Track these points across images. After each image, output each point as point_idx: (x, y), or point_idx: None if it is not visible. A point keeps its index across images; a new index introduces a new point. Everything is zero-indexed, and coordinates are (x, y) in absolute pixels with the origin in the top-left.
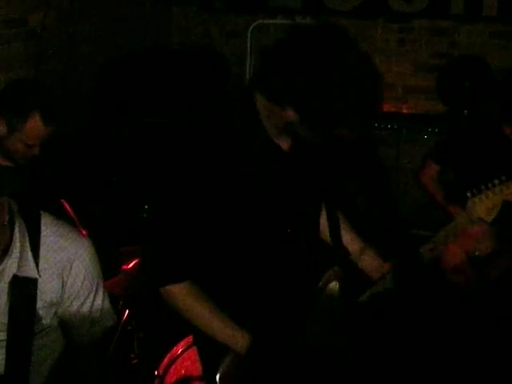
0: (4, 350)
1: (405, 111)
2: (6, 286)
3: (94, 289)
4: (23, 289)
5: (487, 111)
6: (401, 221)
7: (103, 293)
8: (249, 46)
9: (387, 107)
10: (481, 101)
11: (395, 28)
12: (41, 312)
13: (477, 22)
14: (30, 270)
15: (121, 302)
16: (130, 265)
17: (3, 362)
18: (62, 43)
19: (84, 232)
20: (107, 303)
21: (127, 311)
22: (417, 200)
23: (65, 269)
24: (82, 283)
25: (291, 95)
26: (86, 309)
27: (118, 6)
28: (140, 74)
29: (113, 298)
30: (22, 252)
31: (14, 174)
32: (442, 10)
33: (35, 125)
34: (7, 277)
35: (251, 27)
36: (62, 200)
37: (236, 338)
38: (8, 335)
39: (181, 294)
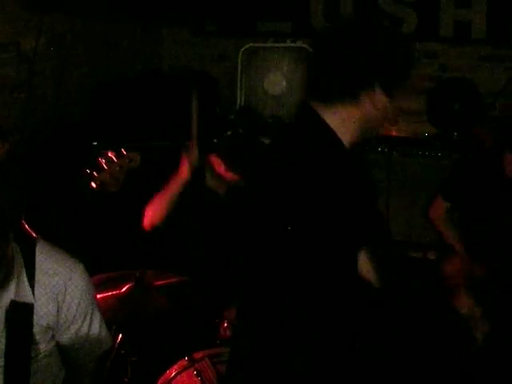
0: (2, 376)
1: (395, 134)
2: (3, 311)
3: (90, 312)
4: (20, 314)
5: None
6: (392, 243)
7: (99, 316)
8: (239, 69)
9: None
10: (470, 124)
11: None
12: (37, 337)
13: (466, 45)
14: (26, 295)
15: (114, 327)
16: (123, 289)
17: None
18: (53, 68)
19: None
20: (104, 327)
21: (120, 335)
22: (407, 222)
23: (59, 293)
24: (77, 307)
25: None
26: (83, 333)
27: (108, 30)
28: (131, 97)
29: (105, 322)
30: (18, 277)
31: None
32: (431, 33)
33: None
34: (5, 303)
35: (241, 50)
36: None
37: None
38: (5, 360)
39: None
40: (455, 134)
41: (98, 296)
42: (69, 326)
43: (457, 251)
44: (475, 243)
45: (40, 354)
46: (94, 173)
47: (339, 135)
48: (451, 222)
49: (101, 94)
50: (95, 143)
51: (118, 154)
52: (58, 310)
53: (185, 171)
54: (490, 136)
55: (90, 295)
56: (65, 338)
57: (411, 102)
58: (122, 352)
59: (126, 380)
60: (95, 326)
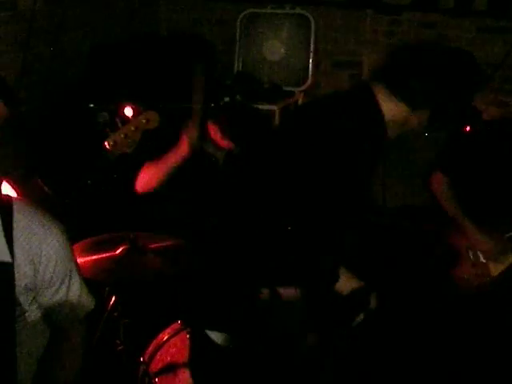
0: None
1: None
2: None
3: (68, 275)
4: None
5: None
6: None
7: (79, 279)
8: (238, 34)
9: None
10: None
11: (384, 20)
12: (20, 297)
13: (466, 17)
14: (2, 254)
15: (107, 289)
16: (118, 251)
17: None
18: (50, 28)
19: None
20: (84, 288)
21: (113, 297)
22: (404, 196)
23: (35, 255)
24: (54, 269)
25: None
26: (61, 294)
27: None
28: (127, 60)
29: (98, 284)
30: None
31: None
32: (431, 4)
33: None
34: None
35: (241, 16)
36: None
37: None
38: None
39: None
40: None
41: (93, 257)
42: (46, 288)
43: (461, 224)
44: (475, 217)
45: (25, 312)
46: (109, 131)
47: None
48: (453, 196)
49: (97, 56)
50: (91, 105)
51: (135, 112)
52: (34, 272)
53: (184, 148)
54: (488, 108)
55: (68, 257)
56: (43, 300)
57: None
58: (115, 314)
59: (119, 342)
60: (75, 288)
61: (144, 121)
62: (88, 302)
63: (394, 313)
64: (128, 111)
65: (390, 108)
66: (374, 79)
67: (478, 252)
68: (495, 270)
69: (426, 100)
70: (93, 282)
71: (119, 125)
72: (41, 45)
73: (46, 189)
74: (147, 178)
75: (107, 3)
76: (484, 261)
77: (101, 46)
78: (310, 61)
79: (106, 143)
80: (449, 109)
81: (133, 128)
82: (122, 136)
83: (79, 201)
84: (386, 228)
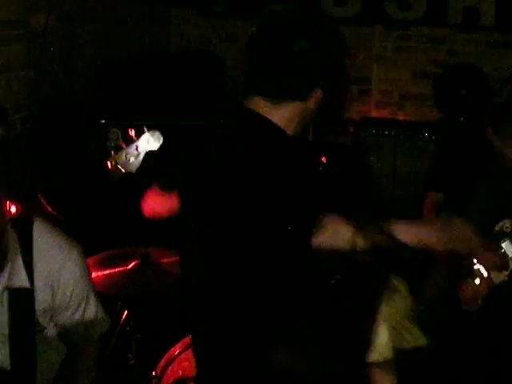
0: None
1: (401, 118)
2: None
3: (85, 299)
4: (19, 299)
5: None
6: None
7: (95, 301)
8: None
9: (384, 113)
10: (476, 109)
11: (393, 35)
12: (38, 318)
13: (474, 31)
14: (21, 280)
15: (119, 303)
16: (130, 266)
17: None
18: (62, 45)
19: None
20: (100, 311)
21: (125, 312)
22: (413, 206)
23: (54, 280)
24: (72, 294)
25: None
26: (78, 316)
27: (117, 8)
28: (138, 76)
29: (111, 298)
30: (13, 262)
31: None
32: (439, 19)
33: None
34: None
35: (250, 32)
36: (40, 195)
37: None
38: (10, 341)
39: None
40: (461, 118)
41: (105, 272)
42: (63, 311)
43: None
44: None
45: (43, 329)
46: (112, 152)
47: (284, 129)
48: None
49: (107, 73)
50: (103, 121)
51: (138, 133)
52: (52, 296)
53: None
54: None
55: (85, 280)
56: (60, 320)
57: (419, 86)
58: (127, 329)
59: (130, 356)
60: (90, 311)
61: (146, 141)
62: (103, 322)
63: None
64: (131, 131)
65: (275, 113)
66: (245, 97)
67: (479, 265)
68: (497, 278)
69: (306, 82)
70: (105, 295)
71: (122, 145)
72: (52, 62)
73: (48, 207)
74: (157, 208)
75: (118, 21)
76: (486, 274)
77: (110, 63)
78: None
79: (108, 163)
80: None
81: (135, 148)
82: (124, 156)
83: (82, 219)
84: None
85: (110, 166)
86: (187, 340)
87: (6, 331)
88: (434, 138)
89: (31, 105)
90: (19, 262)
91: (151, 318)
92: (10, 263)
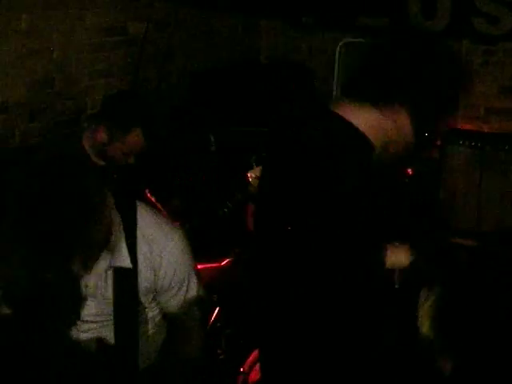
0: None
1: (486, 131)
2: (104, 275)
3: (187, 279)
4: (123, 278)
5: None
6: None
7: (196, 281)
8: (336, 63)
9: (469, 127)
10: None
11: (480, 50)
12: (141, 298)
13: None
14: (124, 261)
15: (215, 297)
16: (223, 262)
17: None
18: (158, 53)
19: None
20: (201, 290)
21: (218, 308)
22: (500, 220)
23: (156, 261)
24: (173, 275)
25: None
26: (179, 297)
27: (210, 19)
28: (230, 85)
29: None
30: (116, 243)
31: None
32: None
33: (136, 139)
34: (103, 267)
35: (339, 45)
36: (147, 193)
37: None
38: (115, 320)
39: None
40: None
41: (199, 266)
42: (165, 292)
43: None
44: None
45: (145, 308)
46: (254, 165)
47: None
48: None
49: (200, 81)
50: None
51: None
52: (154, 277)
53: None
54: None
55: (187, 262)
56: (162, 300)
57: (504, 101)
58: (218, 325)
59: (220, 351)
60: (192, 291)
61: None
62: (205, 302)
63: None
64: None
65: (359, 116)
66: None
67: None
68: None
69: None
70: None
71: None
72: (149, 69)
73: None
74: None
75: (211, 30)
76: None
77: (205, 70)
78: None
79: (249, 174)
80: (429, 105)
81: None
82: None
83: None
84: (478, 252)
85: (250, 179)
86: None
87: (111, 308)
88: None
89: None
90: (123, 244)
91: (242, 315)
92: (114, 244)
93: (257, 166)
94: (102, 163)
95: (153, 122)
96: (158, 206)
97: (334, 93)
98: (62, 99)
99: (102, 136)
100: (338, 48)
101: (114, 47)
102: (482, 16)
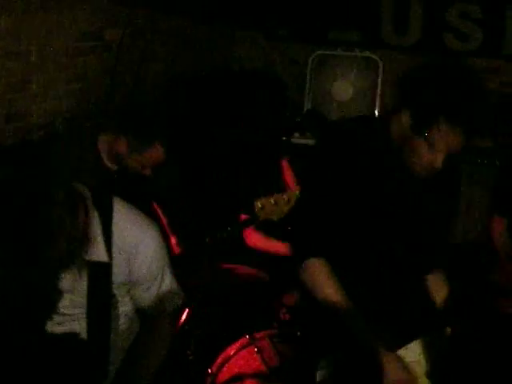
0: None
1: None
2: (77, 270)
3: (161, 273)
4: (97, 272)
5: None
6: None
7: (170, 274)
8: (308, 74)
9: None
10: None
11: None
12: (115, 291)
13: None
14: (100, 255)
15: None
16: None
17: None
18: (133, 59)
19: (173, 238)
20: (174, 285)
21: (187, 310)
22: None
23: (131, 255)
24: (148, 269)
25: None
26: (153, 290)
27: (186, 28)
28: (203, 94)
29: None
30: (93, 237)
31: None
32: (494, 50)
33: (155, 153)
34: (79, 263)
35: (312, 57)
36: (155, 204)
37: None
38: (88, 316)
39: (316, 268)
40: None
41: None
42: (140, 285)
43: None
44: None
45: (117, 302)
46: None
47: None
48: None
49: (173, 88)
50: None
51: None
52: (129, 270)
53: None
54: None
55: (162, 256)
56: (136, 293)
57: None
58: (186, 327)
59: (189, 352)
60: (166, 285)
61: (294, 198)
62: (177, 296)
63: None
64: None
65: (395, 121)
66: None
67: None
68: None
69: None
70: None
71: (274, 191)
72: (125, 74)
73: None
74: (259, 245)
75: (186, 39)
76: None
77: (178, 78)
78: (377, 103)
79: (256, 203)
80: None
81: (286, 198)
82: (272, 202)
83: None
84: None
85: (255, 208)
86: (244, 341)
87: (85, 301)
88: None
89: (106, 112)
90: (99, 238)
91: (211, 316)
92: (90, 238)
93: (265, 196)
94: (115, 168)
95: (172, 137)
96: (163, 220)
97: (306, 103)
98: (38, 102)
99: (122, 147)
100: (310, 60)
101: (90, 52)
102: (452, 32)
